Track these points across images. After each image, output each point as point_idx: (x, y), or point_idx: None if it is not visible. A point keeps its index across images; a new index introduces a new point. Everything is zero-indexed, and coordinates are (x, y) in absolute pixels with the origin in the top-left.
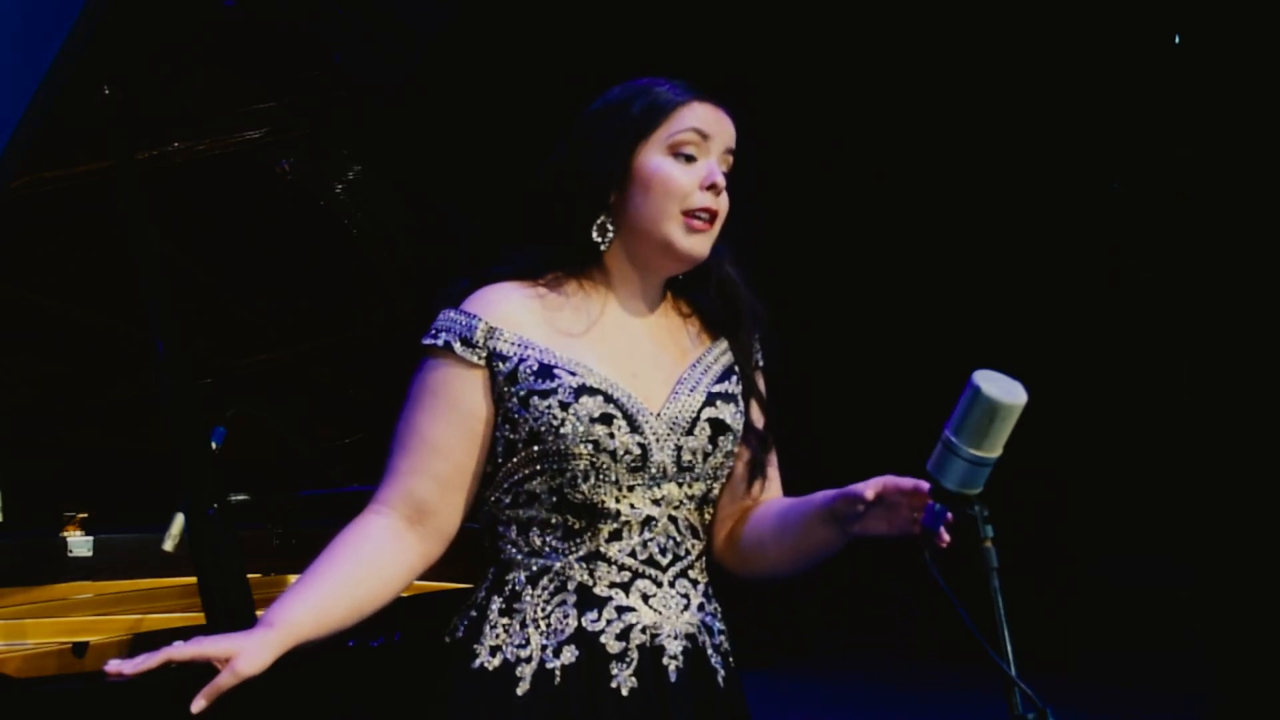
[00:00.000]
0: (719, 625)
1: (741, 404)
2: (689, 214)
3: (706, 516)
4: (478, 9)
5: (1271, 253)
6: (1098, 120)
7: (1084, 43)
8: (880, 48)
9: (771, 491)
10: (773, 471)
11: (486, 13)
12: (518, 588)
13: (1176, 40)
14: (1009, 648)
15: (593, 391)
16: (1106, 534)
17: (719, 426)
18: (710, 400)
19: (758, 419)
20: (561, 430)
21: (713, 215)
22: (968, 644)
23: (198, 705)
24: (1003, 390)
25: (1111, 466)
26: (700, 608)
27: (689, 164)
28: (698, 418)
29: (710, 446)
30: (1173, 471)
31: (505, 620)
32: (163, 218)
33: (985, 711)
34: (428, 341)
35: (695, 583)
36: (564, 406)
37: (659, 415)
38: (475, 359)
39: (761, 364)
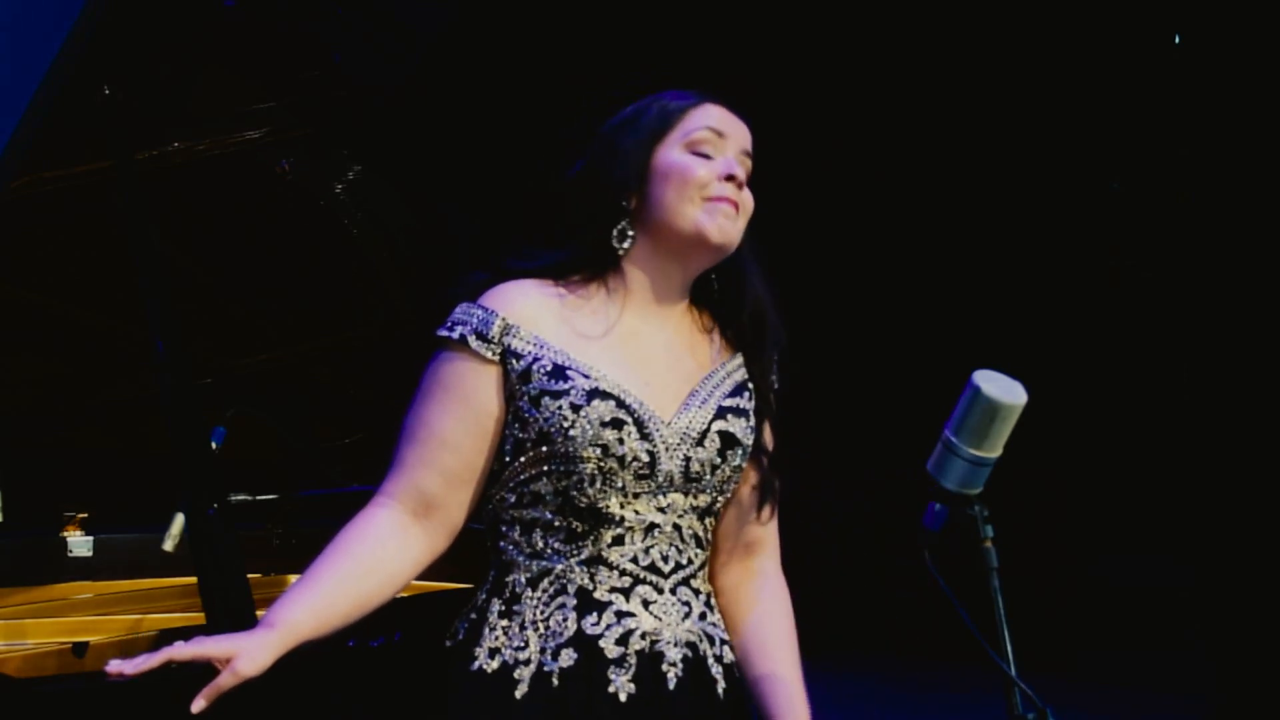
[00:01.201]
0: (722, 636)
1: (753, 420)
2: (710, 200)
3: (709, 529)
4: (478, 9)
5: (1271, 253)
6: (1098, 120)
7: (1084, 43)
8: (880, 48)
9: (769, 540)
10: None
11: (486, 13)
12: (517, 590)
13: (1176, 40)
14: (1009, 648)
15: (605, 396)
16: (1106, 534)
17: (729, 440)
18: (721, 413)
19: (769, 441)
20: (571, 432)
21: (734, 205)
22: (968, 644)
23: (198, 705)
24: (1003, 390)
25: (1111, 466)
26: (702, 617)
27: (706, 160)
28: (708, 430)
29: (719, 459)
30: (1173, 471)
31: (505, 623)
32: (163, 218)
33: (985, 711)
34: (443, 333)
35: (697, 592)
36: (575, 409)
37: (669, 424)
38: (490, 354)
39: (776, 387)
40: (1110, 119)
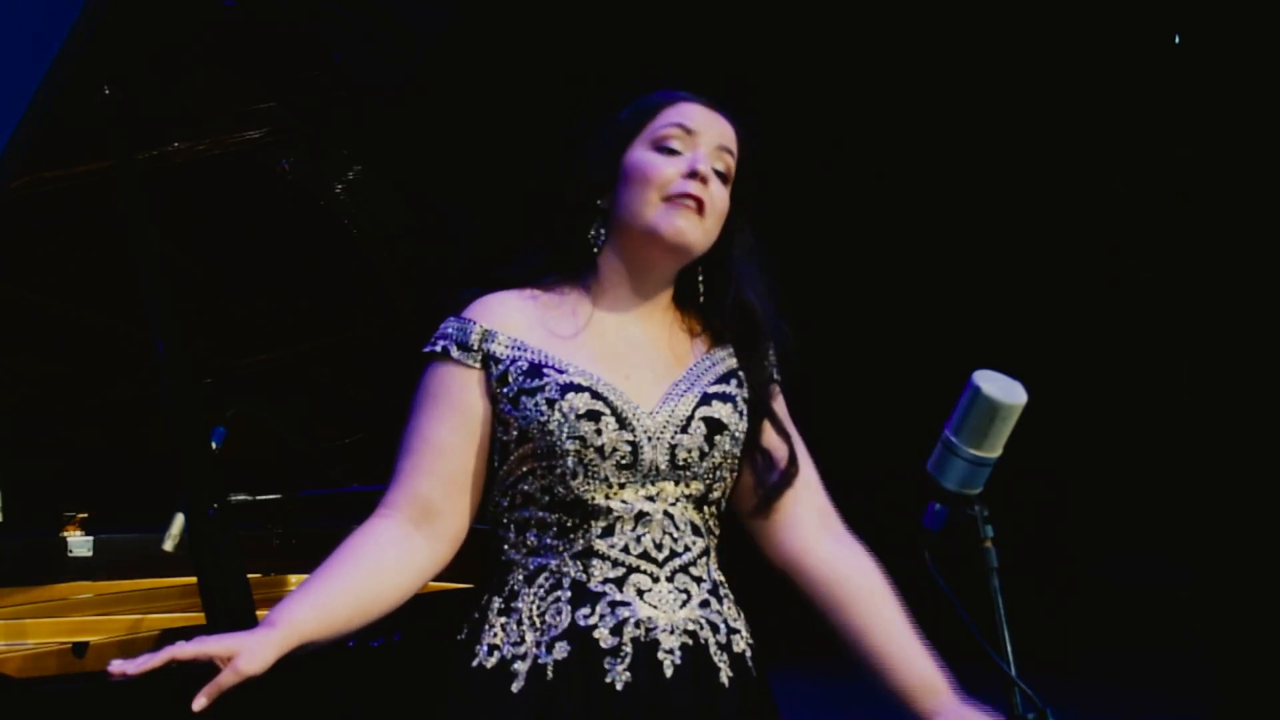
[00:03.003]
0: (730, 624)
1: (741, 407)
2: (670, 199)
3: (710, 518)
4: (478, 9)
5: (1271, 253)
6: (1098, 120)
7: (1084, 43)
8: (880, 48)
9: (812, 504)
10: (811, 486)
11: (486, 13)
12: (516, 587)
13: (1176, 40)
14: (1009, 648)
15: (579, 389)
16: (1106, 534)
17: (715, 425)
18: (706, 400)
19: (770, 441)
20: (549, 427)
21: (698, 203)
22: (968, 644)
23: (199, 704)
24: (1003, 390)
25: (1111, 466)
26: (704, 604)
27: (672, 156)
28: (692, 416)
29: (706, 446)
30: (1173, 471)
31: (503, 619)
32: (163, 218)
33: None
34: (428, 349)
35: (699, 580)
36: (550, 404)
37: (652, 414)
38: (471, 362)
39: (777, 378)
40: (1110, 119)
